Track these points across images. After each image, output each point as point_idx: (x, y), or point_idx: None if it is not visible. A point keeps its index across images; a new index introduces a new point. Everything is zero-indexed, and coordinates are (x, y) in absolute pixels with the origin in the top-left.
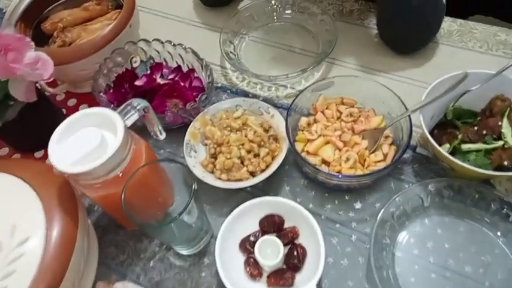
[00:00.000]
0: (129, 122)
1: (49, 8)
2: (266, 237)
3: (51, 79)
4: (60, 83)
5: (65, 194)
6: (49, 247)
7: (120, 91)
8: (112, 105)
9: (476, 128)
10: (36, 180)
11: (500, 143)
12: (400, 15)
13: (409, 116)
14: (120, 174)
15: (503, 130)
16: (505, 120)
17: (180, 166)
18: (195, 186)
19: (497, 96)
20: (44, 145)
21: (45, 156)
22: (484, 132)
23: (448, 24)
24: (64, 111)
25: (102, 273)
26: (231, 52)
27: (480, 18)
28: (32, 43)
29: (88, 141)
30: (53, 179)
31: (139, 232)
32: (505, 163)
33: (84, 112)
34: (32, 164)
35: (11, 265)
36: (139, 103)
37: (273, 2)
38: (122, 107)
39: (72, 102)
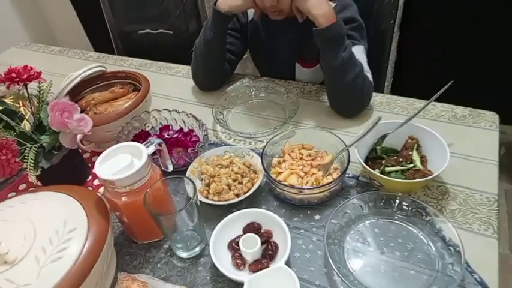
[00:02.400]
0: (150, 151)
1: (84, 92)
2: (248, 234)
3: (89, 133)
4: (87, 143)
5: (100, 206)
6: (90, 236)
7: None
8: None
9: (395, 157)
10: (80, 197)
11: (411, 165)
12: (337, 89)
13: (347, 150)
14: (137, 190)
15: (413, 157)
16: (414, 151)
17: (185, 179)
18: (195, 189)
19: (409, 137)
20: None
21: None
22: (401, 159)
23: (379, 97)
24: (90, 165)
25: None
26: (221, 119)
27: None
28: (79, 108)
29: (122, 162)
30: (93, 197)
31: (149, 245)
32: (416, 180)
33: (120, 144)
34: (77, 188)
35: (64, 243)
36: (157, 140)
37: (252, 86)
38: (146, 142)
39: (95, 159)
